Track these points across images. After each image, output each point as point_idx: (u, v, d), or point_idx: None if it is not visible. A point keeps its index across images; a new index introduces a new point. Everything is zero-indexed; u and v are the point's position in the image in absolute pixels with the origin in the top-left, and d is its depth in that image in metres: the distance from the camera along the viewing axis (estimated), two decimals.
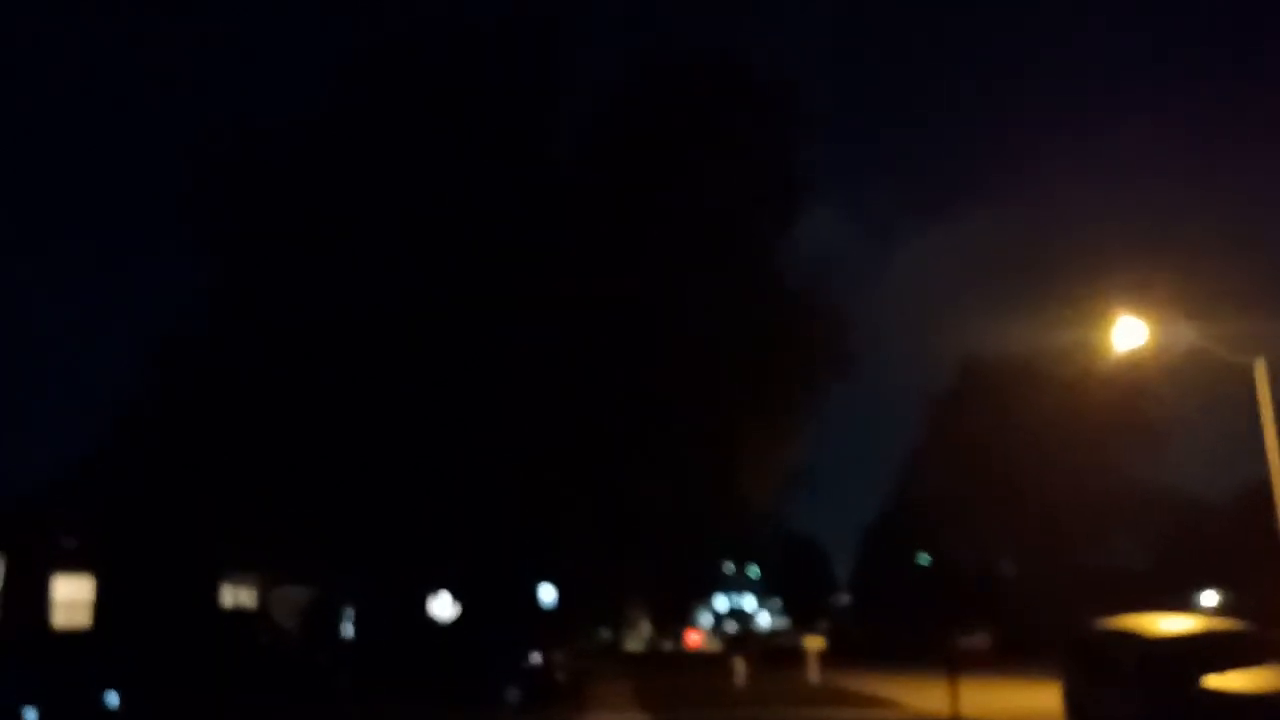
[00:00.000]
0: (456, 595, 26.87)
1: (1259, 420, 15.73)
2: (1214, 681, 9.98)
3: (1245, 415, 16.29)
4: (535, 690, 21.06)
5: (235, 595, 24.84)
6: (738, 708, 21.75)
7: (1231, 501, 41.67)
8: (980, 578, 46.81)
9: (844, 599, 75.19)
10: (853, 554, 68.79)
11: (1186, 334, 17.32)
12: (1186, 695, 10.05)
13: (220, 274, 23.81)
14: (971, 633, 39.82)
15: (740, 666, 28.77)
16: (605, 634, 63.01)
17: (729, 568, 78.48)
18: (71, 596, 20.08)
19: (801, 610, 73.47)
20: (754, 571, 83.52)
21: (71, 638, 19.07)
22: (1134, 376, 34.68)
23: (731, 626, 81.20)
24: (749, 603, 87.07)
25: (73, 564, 20.13)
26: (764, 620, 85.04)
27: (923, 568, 50.22)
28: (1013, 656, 34.16)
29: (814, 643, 31.00)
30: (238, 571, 24.67)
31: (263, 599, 25.58)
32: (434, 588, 27.87)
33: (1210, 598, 42.26)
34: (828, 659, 30.62)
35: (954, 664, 18.71)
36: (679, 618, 71.48)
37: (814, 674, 28.86)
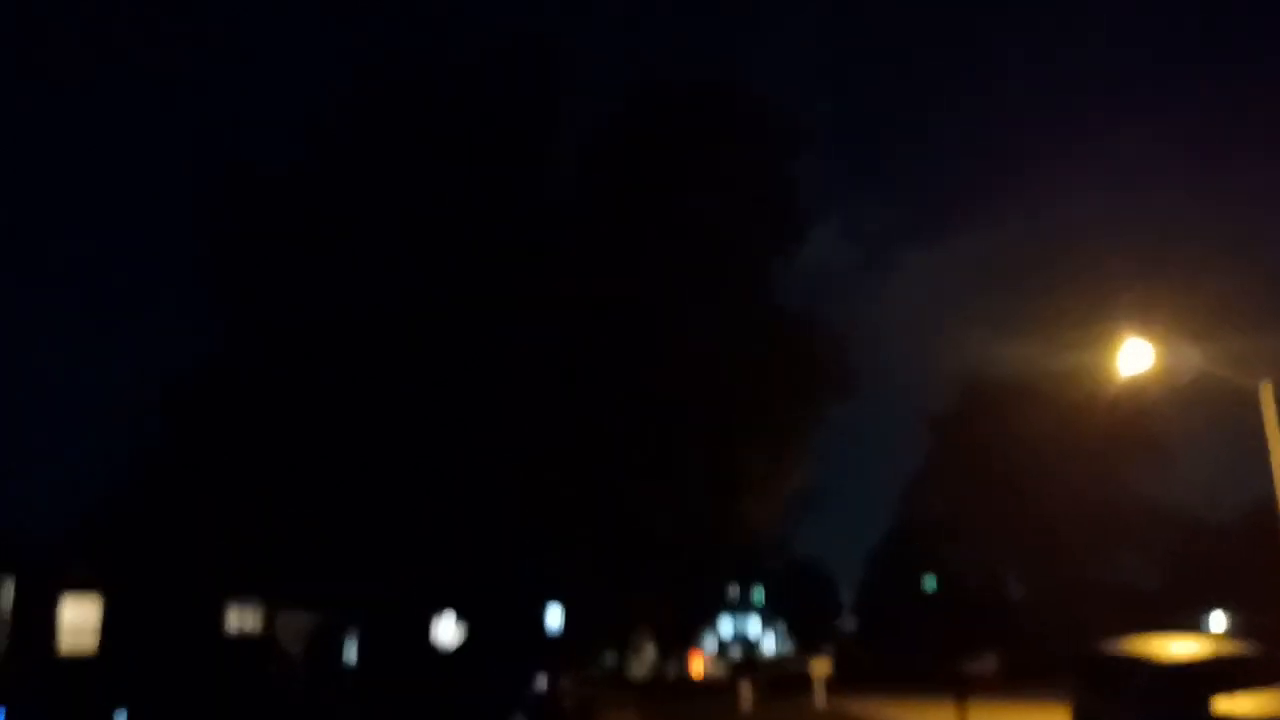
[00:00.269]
0: (461, 620, 26.81)
1: (1266, 439, 15.73)
2: (1223, 705, 9.98)
3: (1253, 435, 16.29)
4: (541, 717, 20.97)
5: (241, 619, 24.81)
6: None
7: (1240, 520, 41.52)
8: (987, 600, 46.56)
9: (850, 622, 74.71)
10: (858, 577, 68.49)
11: (1192, 356, 17.35)
12: (1196, 719, 10.04)
13: (225, 284, 23.93)
14: (979, 656, 39.58)
15: (746, 692, 28.65)
16: (610, 659, 62.60)
17: (733, 591, 78.05)
18: (79, 620, 20.08)
19: (807, 634, 73.00)
20: (759, 595, 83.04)
21: (80, 661, 19.06)
22: (1140, 397, 34.69)
23: (736, 651, 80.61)
24: (754, 626, 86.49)
25: (80, 588, 20.14)
26: (769, 644, 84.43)
27: (929, 590, 49.94)
28: (1021, 680, 33.94)
29: (820, 667, 30.83)
30: (243, 596, 24.65)
31: (268, 624, 25.54)
32: (438, 613, 27.79)
33: (1219, 619, 42.00)
34: (834, 684, 30.45)
35: (962, 688, 18.64)
36: (684, 642, 71.02)
37: (820, 700, 28.69)
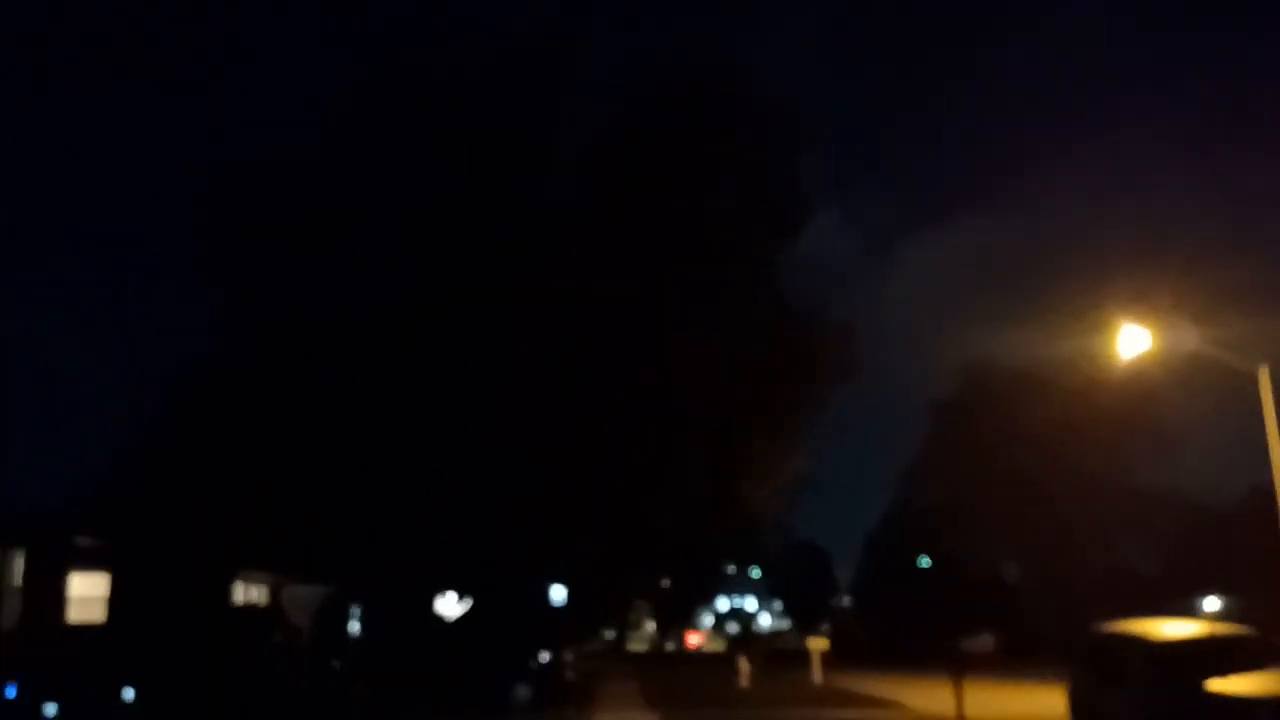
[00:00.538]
0: (465, 594, 27.10)
1: (1265, 424, 15.83)
2: (1217, 685, 10.16)
3: (1252, 419, 16.38)
4: (545, 690, 21.27)
5: (247, 593, 25.08)
6: (744, 707, 21.96)
7: (1238, 506, 41.74)
8: (984, 581, 46.94)
9: (845, 601, 75.31)
10: (855, 557, 68.94)
11: (1190, 339, 17.42)
12: (1190, 698, 10.22)
13: (232, 287, 24.09)
14: (976, 635, 39.97)
15: (745, 667, 28.98)
16: (609, 634, 63.22)
17: (731, 569, 78.63)
18: (87, 593, 20.28)
19: (803, 612, 73.61)
20: (756, 573, 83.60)
21: (89, 634, 19.29)
22: (1139, 382, 34.78)
23: (733, 627, 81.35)
24: (750, 604, 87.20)
25: (89, 562, 20.34)
26: (765, 621, 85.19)
27: (926, 570, 50.34)
28: (1017, 659, 34.30)
29: (818, 644, 31.19)
30: (250, 570, 24.91)
31: (274, 597, 25.81)
32: (442, 587, 28.09)
33: (1214, 603, 42.35)
34: (831, 661, 30.80)
35: (958, 666, 18.86)
36: (682, 618, 71.68)
37: (818, 675, 29.04)
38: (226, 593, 22.77)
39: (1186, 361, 19.03)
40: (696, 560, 40.40)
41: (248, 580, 24.59)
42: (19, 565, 18.59)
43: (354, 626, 26.80)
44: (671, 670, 40.41)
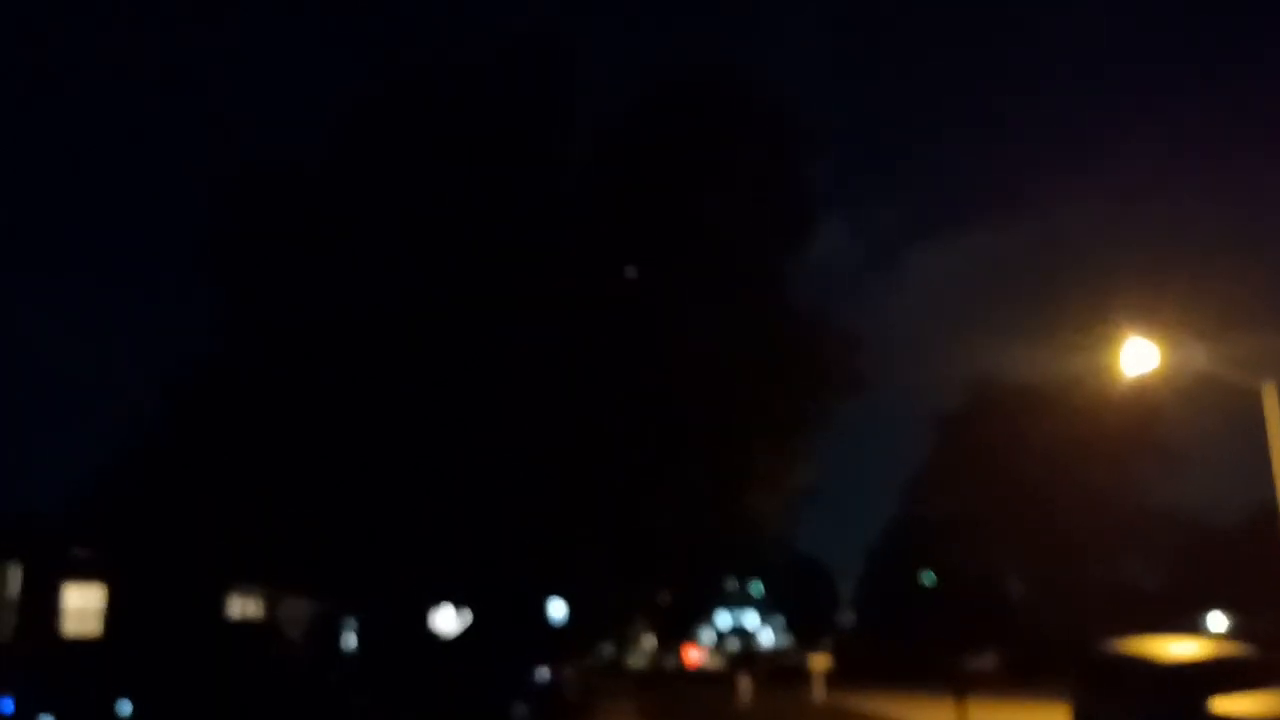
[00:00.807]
0: (464, 608, 26.93)
1: (1269, 442, 15.74)
2: (1221, 705, 10.05)
3: (1258, 437, 16.29)
4: (544, 707, 21.09)
5: (244, 607, 24.96)
6: None
7: (1244, 523, 41.54)
8: (987, 597, 46.67)
9: (848, 617, 74.92)
10: (857, 572, 68.65)
11: (1196, 356, 17.36)
12: (1195, 718, 10.11)
13: (232, 290, 24.06)
14: (979, 652, 39.68)
15: (745, 685, 28.79)
16: (609, 650, 62.90)
17: (732, 584, 78.28)
18: (83, 605, 20.20)
19: (805, 628, 73.21)
20: (757, 588, 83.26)
21: (84, 646, 19.19)
22: (1145, 398, 34.68)
23: (734, 644, 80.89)
24: (751, 620, 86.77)
25: (84, 574, 20.27)
26: (767, 638, 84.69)
27: (930, 586, 50.07)
28: (1020, 677, 34.04)
29: (820, 662, 30.96)
30: (245, 583, 24.80)
31: (270, 611, 25.69)
32: (439, 600, 27.92)
33: (1219, 620, 42.07)
34: (833, 678, 30.59)
35: (961, 684, 18.71)
36: (682, 634, 71.32)
37: (819, 693, 28.82)
38: (222, 606, 22.68)
39: (1193, 379, 18.95)
40: (697, 574, 40.19)
41: (243, 594, 24.49)
42: (15, 577, 18.52)
43: (350, 641, 26.67)
44: (672, 688, 40.15)
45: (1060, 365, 36.74)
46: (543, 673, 22.30)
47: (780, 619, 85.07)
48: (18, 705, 15.63)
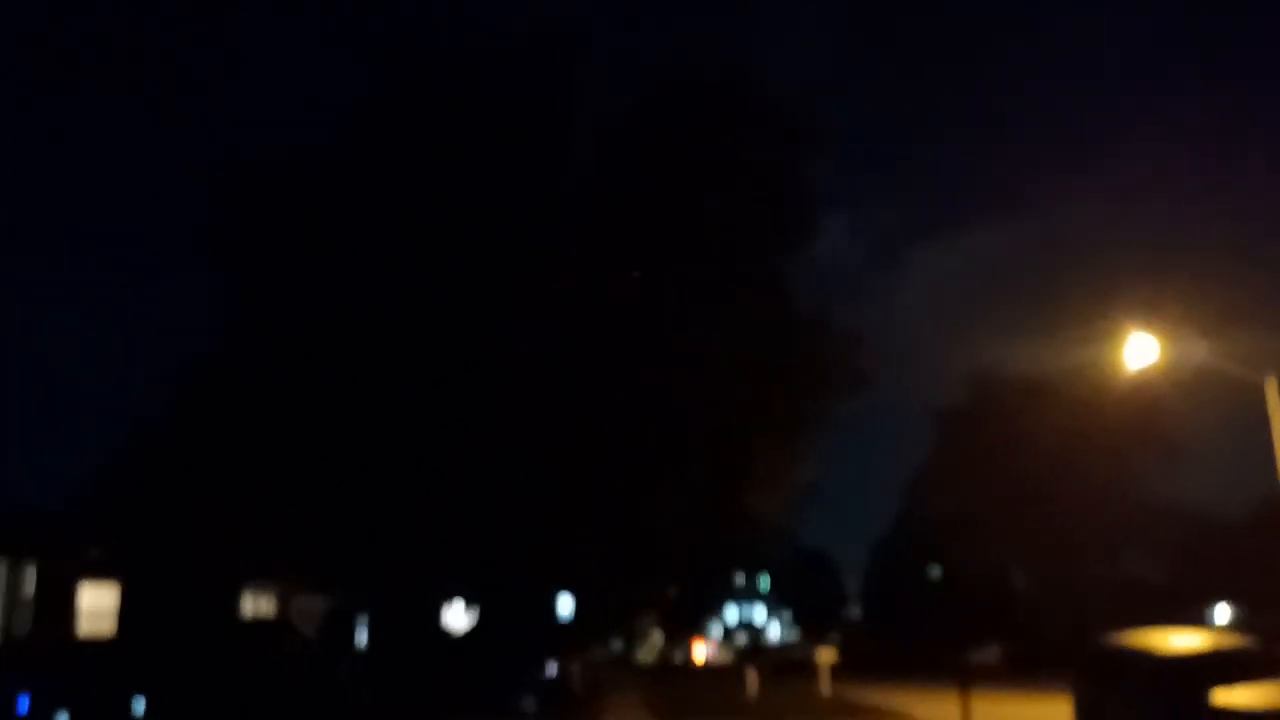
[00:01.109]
0: (473, 604, 27.14)
1: (1273, 436, 15.83)
2: (1221, 697, 10.17)
3: (1261, 431, 16.38)
4: (552, 700, 21.29)
5: (255, 604, 25.19)
6: (750, 718, 21.96)
7: (1248, 517, 41.61)
8: (991, 591, 46.80)
9: (854, 611, 75.10)
10: (863, 567, 68.84)
11: (1198, 351, 17.45)
12: (1194, 711, 10.24)
13: (235, 288, 24.19)
14: (982, 646, 39.85)
15: (752, 678, 28.98)
16: (616, 645, 63.16)
17: (739, 579, 78.50)
18: (97, 605, 20.43)
19: (812, 622, 73.43)
20: (764, 583, 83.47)
21: (99, 645, 19.43)
22: (1147, 392, 34.73)
23: (741, 638, 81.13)
24: (759, 614, 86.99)
25: (98, 573, 20.49)
26: (774, 632, 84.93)
27: (933, 581, 50.23)
28: (1024, 670, 34.18)
29: (826, 655, 31.14)
30: (258, 580, 25.02)
31: (282, 607, 25.92)
32: (449, 597, 28.15)
33: (1223, 613, 42.15)
34: (839, 671, 30.76)
35: (965, 677, 18.85)
36: (690, 628, 71.57)
37: (825, 686, 29.01)
38: (235, 603, 22.91)
39: (1195, 373, 19.05)
40: (703, 569, 40.38)
41: (255, 590, 24.72)
42: (30, 576, 18.76)
43: (361, 636, 26.89)
44: (679, 681, 40.36)
45: (1061, 360, 36.83)
46: (550, 667, 22.51)
47: (788, 613, 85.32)
48: (33, 703, 15.86)
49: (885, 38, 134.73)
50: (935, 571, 50.84)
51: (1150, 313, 18.16)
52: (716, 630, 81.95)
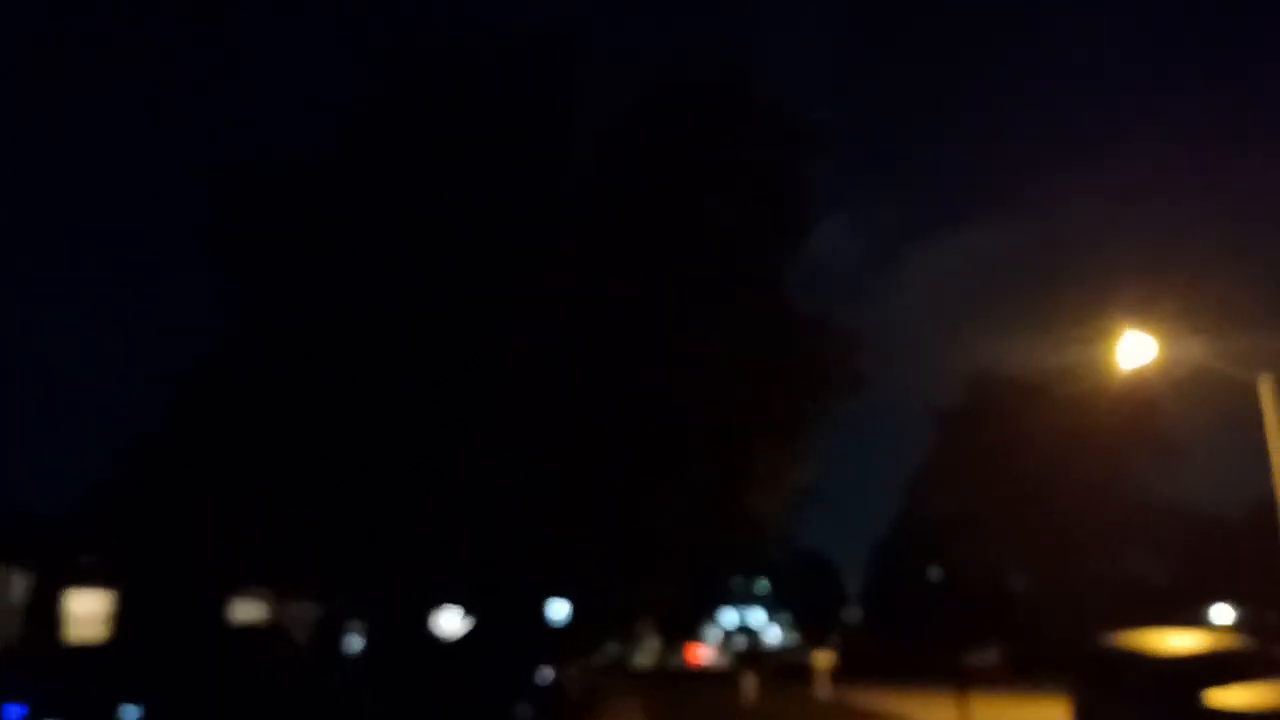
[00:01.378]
0: (467, 610, 27.03)
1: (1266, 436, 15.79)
2: (1217, 697, 10.10)
3: (1252, 431, 16.35)
4: (547, 707, 21.15)
5: (248, 611, 25.08)
6: None
7: (1247, 516, 41.54)
8: (990, 593, 46.72)
9: (854, 614, 74.95)
10: (862, 569, 68.75)
11: (1194, 350, 17.40)
12: (1190, 711, 10.17)
13: (235, 289, 24.13)
14: (982, 649, 39.76)
15: (749, 682, 28.86)
16: (613, 649, 62.98)
17: (738, 582, 78.33)
18: (89, 612, 20.35)
19: (811, 625, 73.27)
20: (763, 586, 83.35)
21: (91, 653, 19.29)
22: (1145, 392, 34.70)
23: (740, 642, 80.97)
24: (757, 617, 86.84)
25: (91, 580, 20.41)
26: (773, 635, 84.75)
27: (933, 583, 50.14)
28: (1023, 672, 34.10)
29: (824, 659, 31.05)
30: (250, 587, 24.91)
31: (275, 614, 25.81)
32: (442, 601, 28.02)
33: (1223, 613, 42.08)
34: (838, 675, 30.66)
35: (964, 680, 18.78)
36: (688, 632, 71.44)
37: (824, 690, 28.91)
38: (228, 610, 22.79)
39: (1188, 373, 19.00)
40: (699, 574, 40.29)
41: (249, 598, 24.60)
42: (22, 584, 18.66)
43: (353, 643, 26.76)
44: (676, 686, 40.22)
45: (1060, 359, 36.77)
46: (546, 673, 22.36)
47: (787, 616, 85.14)
48: (26, 712, 15.73)
49: (885, 38, 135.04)
50: (935, 572, 50.72)
51: (1148, 312, 18.12)
52: (714, 634, 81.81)
